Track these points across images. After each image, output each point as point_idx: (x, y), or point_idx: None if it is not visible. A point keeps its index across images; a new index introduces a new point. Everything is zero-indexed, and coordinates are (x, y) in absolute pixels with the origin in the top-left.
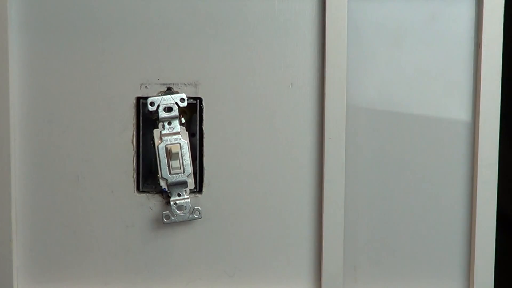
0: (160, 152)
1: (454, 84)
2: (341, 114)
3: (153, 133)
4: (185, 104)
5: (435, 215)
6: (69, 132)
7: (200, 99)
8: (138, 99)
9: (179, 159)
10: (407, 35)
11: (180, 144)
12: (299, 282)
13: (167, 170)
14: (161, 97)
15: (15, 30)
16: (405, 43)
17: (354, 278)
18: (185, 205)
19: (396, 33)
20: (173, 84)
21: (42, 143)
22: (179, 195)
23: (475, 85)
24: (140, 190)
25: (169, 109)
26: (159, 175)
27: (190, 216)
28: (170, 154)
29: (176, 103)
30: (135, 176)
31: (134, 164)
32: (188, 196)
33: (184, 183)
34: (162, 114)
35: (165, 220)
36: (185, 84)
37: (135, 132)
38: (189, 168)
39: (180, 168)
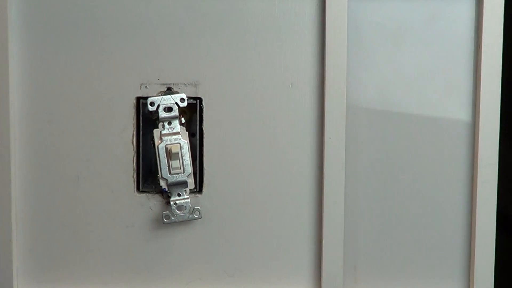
0: (160, 152)
1: (454, 84)
2: (341, 114)
3: (153, 133)
4: (185, 104)
5: (435, 215)
6: (69, 132)
7: (200, 99)
8: (138, 99)
9: (179, 159)
10: (407, 35)
11: (180, 144)
12: (299, 282)
13: (167, 170)
14: (161, 97)
15: (15, 30)
16: (405, 43)
17: (354, 278)
18: (185, 205)
19: (396, 33)
20: (173, 84)
21: (42, 143)
22: (179, 195)
23: (475, 85)
24: (140, 190)
25: (169, 109)
26: (159, 175)
27: (190, 216)
28: (170, 154)
29: (176, 103)
30: (135, 176)
31: (134, 164)
32: (188, 196)
33: (184, 183)
34: (162, 114)
35: (165, 220)
36: (185, 84)
37: (135, 132)
38: (189, 168)
39: (180, 168)
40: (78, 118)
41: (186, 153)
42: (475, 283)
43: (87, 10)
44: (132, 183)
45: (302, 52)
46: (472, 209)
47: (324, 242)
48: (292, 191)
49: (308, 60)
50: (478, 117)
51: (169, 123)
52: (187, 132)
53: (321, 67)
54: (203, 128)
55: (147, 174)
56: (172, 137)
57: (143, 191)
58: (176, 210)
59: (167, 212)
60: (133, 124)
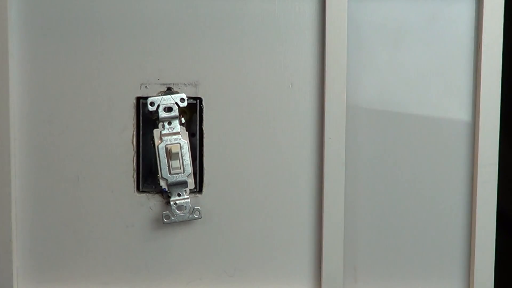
0: (160, 152)
1: (454, 84)
2: (341, 114)
3: (153, 133)
4: (185, 104)
5: (435, 215)
6: (69, 132)
7: (200, 99)
8: (138, 99)
9: (179, 159)
10: (407, 35)
11: (180, 144)
12: (299, 282)
13: (167, 170)
14: (161, 97)
15: (15, 30)
16: (405, 43)
17: (354, 278)
18: (185, 205)
19: (396, 33)
20: (173, 84)
21: (42, 143)
22: (179, 195)
23: (475, 85)
24: (140, 190)
25: (169, 109)
26: (159, 175)
27: (190, 216)
28: (170, 154)
29: (176, 103)
30: (135, 176)
31: (134, 164)
32: (188, 196)
33: (184, 183)
34: (162, 114)
35: (165, 220)
36: (185, 84)
37: (135, 132)
38: (189, 168)
39: (180, 168)
40: (78, 118)
41: (186, 153)
42: (475, 283)
43: (87, 10)
44: (132, 183)
45: (302, 52)
46: (472, 209)
47: (324, 242)
48: (292, 191)
49: (308, 60)
50: (478, 117)
51: (169, 123)
52: (187, 132)
53: (321, 67)
54: (203, 128)
55: (147, 174)
56: (172, 137)
57: (143, 191)
58: (176, 210)
59: (167, 212)
60: (133, 124)
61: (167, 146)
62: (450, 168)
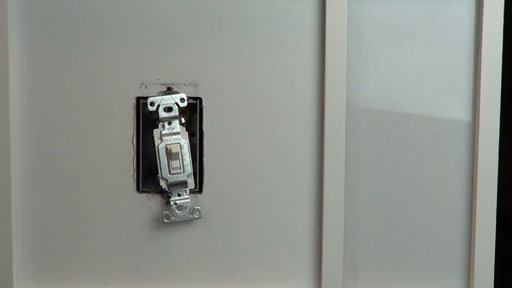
0: (160, 152)
1: (454, 84)
2: (341, 114)
3: (153, 133)
4: (185, 104)
5: (435, 215)
6: (69, 132)
7: (200, 99)
8: (138, 99)
9: (179, 159)
10: (407, 35)
11: (180, 144)
12: (299, 282)
13: (167, 170)
14: (161, 97)
15: (15, 30)
16: (405, 43)
17: (354, 278)
18: (185, 205)
19: (396, 33)
20: (173, 84)
21: (42, 143)
22: (179, 195)
23: (475, 85)
24: (140, 190)
25: (169, 109)
26: (159, 175)
27: (190, 216)
28: (170, 154)
29: (176, 103)
30: (135, 176)
31: (134, 164)
32: (188, 196)
33: (184, 183)
34: (162, 114)
35: (165, 220)
36: (185, 84)
37: (135, 132)
38: (189, 168)
39: (180, 168)
40: (78, 118)
41: (186, 153)
42: (475, 283)
43: (87, 10)
44: (132, 183)
45: (302, 52)
46: (472, 209)
47: (324, 242)
48: (292, 191)
49: (308, 60)
50: (478, 117)
51: (169, 123)
52: (187, 132)
53: (321, 67)
54: (203, 128)
55: (147, 174)
56: (172, 137)
57: (143, 191)
58: (176, 210)
59: (167, 212)
60: (133, 124)
61: (167, 146)
62: (450, 168)
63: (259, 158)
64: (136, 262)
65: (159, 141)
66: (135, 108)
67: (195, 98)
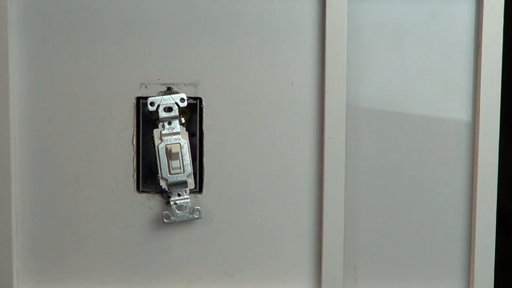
0: (160, 152)
1: (454, 84)
2: (341, 114)
3: (153, 133)
4: (185, 104)
5: (435, 215)
6: (69, 132)
7: (200, 99)
8: (138, 99)
9: (179, 159)
10: (407, 35)
11: (180, 144)
12: (299, 282)
13: (167, 170)
14: (161, 97)
15: (15, 30)
16: (405, 43)
17: (354, 278)
18: (185, 205)
19: (396, 33)
20: (173, 84)
21: (42, 143)
22: (179, 195)
23: (475, 85)
24: (140, 190)
25: (169, 109)
26: (159, 175)
27: (190, 216)
28: (170, 154)
29: (176, 103)
30: (135, 176)
31: (134, 164)
32: (188, 196)
33: (184, 183)
34: (162, 114)
35: (165, 220)
36: (185, 84)
37: (135, 132)
38: (189, 168)
39: (180, 168)
40: (78, 118)
41: (186, 153)
42: (475, 283)
43: (87, 10)
44: (132, 183)
45: (302, 52)
46: (472, 209)
47: (324, 242)
48: (292, 191)
49: (308, 60)
50: (478, 117)
51: (169, 123)
52: (187, 132)
53: (321, 67)
54: (203, 128)
55: (147, 174)
56: (172, 137)
57: (143, 191)
58: (176, 210)
59: (167, 212)
60: (133, 124)
61: (167, 146)
62: (450, 168)
63: (259, 158)
64: (136, 262)
65: (159, 141)
66: (135, 108)
67: (195, 98)
